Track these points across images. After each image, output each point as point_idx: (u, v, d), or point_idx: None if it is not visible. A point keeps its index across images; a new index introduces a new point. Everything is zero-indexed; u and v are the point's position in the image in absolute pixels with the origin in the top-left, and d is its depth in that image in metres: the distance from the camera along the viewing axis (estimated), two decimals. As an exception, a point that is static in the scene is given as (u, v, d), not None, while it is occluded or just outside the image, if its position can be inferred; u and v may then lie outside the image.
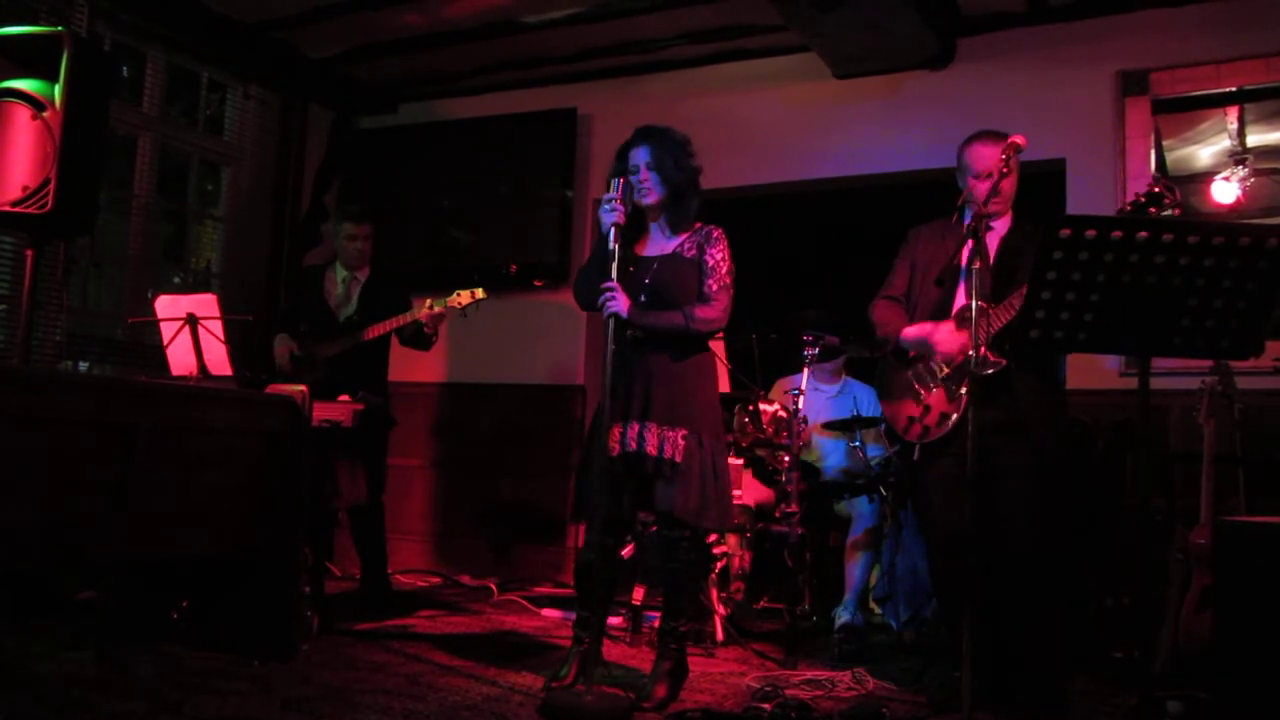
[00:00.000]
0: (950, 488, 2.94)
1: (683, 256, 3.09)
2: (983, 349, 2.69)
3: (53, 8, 4.46)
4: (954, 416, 2.94)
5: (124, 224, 5.05)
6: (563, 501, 5.40)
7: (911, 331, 3.10)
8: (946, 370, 3.02)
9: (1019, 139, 2.85)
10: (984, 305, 2.85)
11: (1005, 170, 2.87)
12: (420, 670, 3.26)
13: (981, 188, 2.97)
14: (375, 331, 4.27)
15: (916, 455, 3.10)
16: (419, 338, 4.33)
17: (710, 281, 3.05)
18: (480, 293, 4.18)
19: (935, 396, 3.03)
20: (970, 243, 3.03)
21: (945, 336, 3.00)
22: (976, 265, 2.64)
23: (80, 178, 3.11)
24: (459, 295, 4.17)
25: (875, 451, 4.46)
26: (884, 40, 4.57)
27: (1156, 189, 2.68)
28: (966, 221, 3.02)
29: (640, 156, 3.09)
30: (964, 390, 2.91)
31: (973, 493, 2.58)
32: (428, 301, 4.19)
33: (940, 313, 3.07)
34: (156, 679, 2.93)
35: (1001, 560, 2.91)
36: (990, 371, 2.79)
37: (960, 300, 3.01)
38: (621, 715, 2.78)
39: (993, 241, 3.07)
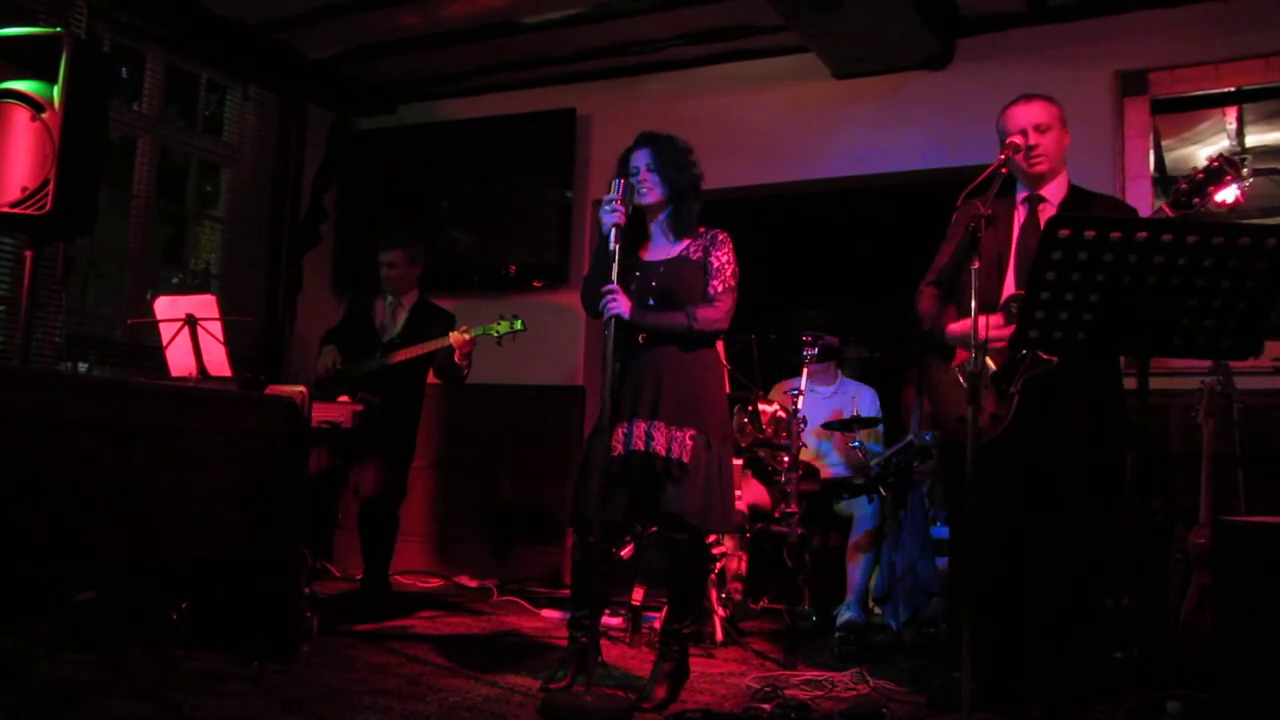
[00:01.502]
0: (1001, 493, 2.77)
1: (689, 259, 3.10)
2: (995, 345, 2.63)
3: (52, 9, 4.46)
4: (1007, 419, 2.78)
5: (123, 225, 5.05)
6: (563, 502, 5.39)
7: (957, 327, 2.92)
8: (995, 368, 2.85)
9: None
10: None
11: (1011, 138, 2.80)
12: (420, 671, 3.26)
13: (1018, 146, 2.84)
14: (403, 355, 4.31)
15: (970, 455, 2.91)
16: (450, 368, 4.32)
17: (715, 282, 3.06)
18: (519, 324, 4.20)
19: (985, 397, 2.85)
20: (1020, 219, 2.91)
21: (993, 333, 2.76)
22: (975, 265, 2.60)
23: (79, 179, 3.10)
24: (499, 324, 4.20)
25: (874, 449, 4.46)
26: (883, 41, 4.57)
27: (1216, 164, 2.54)
28: (1020, 196, 2.93)
29: (640, 159, 3.11)
30: (1015, 390, 2.77)
31: (974, 492, 2.56)
32: (461, 328, 4.21)
33: (965, 308, 2.90)
34: (156, 680, 2.93)
35: (1023, 562, 2.84)
36: (1040, 370, 2.69)
37: (1009, 288, 2.86)
38: (621, 716, 2.78)
39: (1045, 216, 2.89)
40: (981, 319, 2.77)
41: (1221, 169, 2.54)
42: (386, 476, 4.39)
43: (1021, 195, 2.96)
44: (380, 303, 4.62)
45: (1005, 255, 2.91)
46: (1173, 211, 2.62)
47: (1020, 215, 2.95)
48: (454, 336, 4.18)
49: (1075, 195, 2.94)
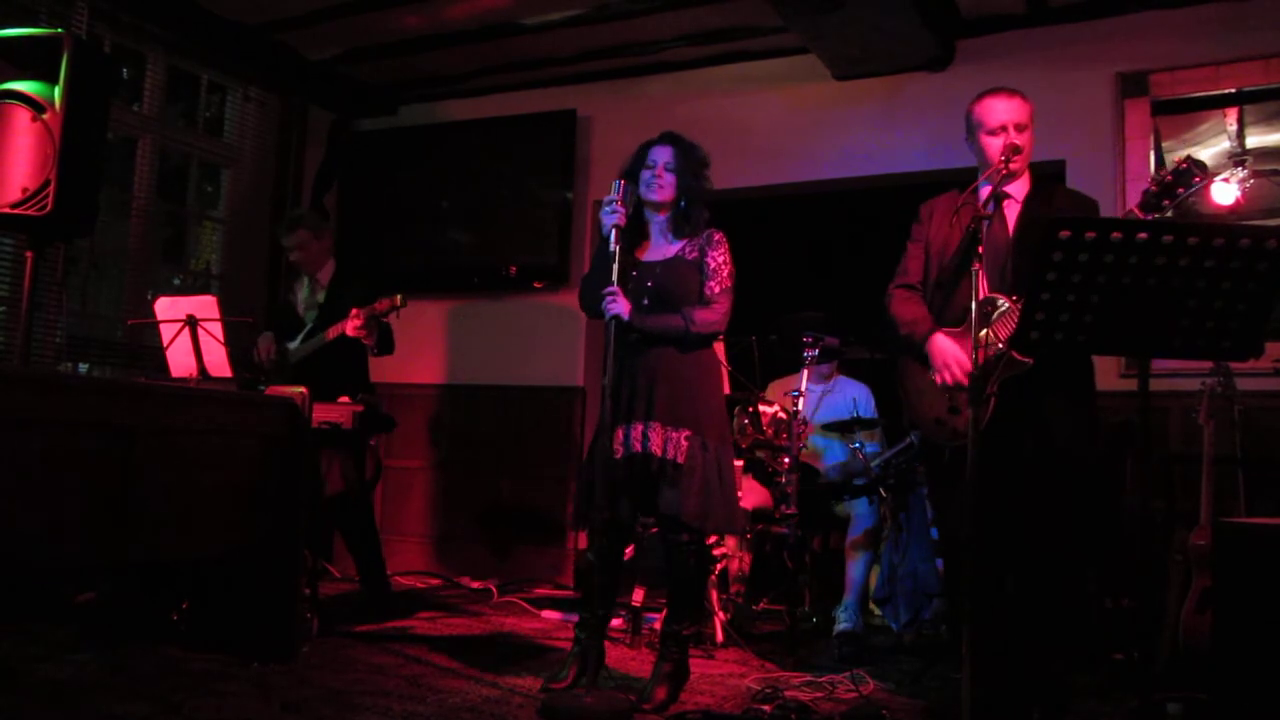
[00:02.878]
0: (981, 494, 2.65)
1: (684, 259, 3.10)
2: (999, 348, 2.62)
3: (53, 9, 4.47)
4: (984, 421, 2.70)
5: (124, 225, 5.06)
6: (562, 503, 5.40)
7: (932, 347, 2.86)
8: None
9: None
10: (1002, 297, 2.72)
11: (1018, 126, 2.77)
12: (420, 672, 3.26)
13: (995, 144, 2.80)
14: (332, 333, 4.17)
15: (947, 457, 2.87)
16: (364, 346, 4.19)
17: (711, 284, 3.06)
18: (399, 299, 4.00)
19: (961, 399, 2.81)
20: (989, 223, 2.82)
21: (957, 359, 2.78)
22: (975, 267, 2.59)
23: (80, 179, 3.11)
24: (380, 302, 4.01)
25: (871, 449, 4.46)
26: (883, 42, 4.57)
27: (1184, 166, 2.51)
28: (983, 190, 2.83)
29: (662, 155, 3.11)
30: (991, 391, 2.73)
31: (972, 493, 2.55)
32: (353, 311, 4.05)
33: (943, 313, 2.92)
34: (156, 681, 2.93)
35: (1016, 563, 2.84)
36: (1015, 371, 2.66)
37: (982, 291, 2.74)
38: (621, 717, 2.78)
39: (1012, 213, 2.85)
40: (949, 345, 2.80)
41: (1190, 171, 2.50)
42: (346, 468, 4.30)
43: (985, 191, 2.85)
44: (298, 285, 4.54)
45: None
46: (1142, 214, 2.57)
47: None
48: (348, 325, 4.02)
49: (1038, 190, 2.90)
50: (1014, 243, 2.83)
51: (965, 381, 2.77)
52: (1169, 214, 2.56)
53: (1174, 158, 2.62)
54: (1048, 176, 2.94)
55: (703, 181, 3.13)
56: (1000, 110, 2.85)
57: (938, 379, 2.85)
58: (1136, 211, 2.58)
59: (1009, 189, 2.88)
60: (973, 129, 2.90)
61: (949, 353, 2.82)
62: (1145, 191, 2.60)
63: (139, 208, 5.07)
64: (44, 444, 2.58)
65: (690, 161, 3.11)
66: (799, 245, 6.07)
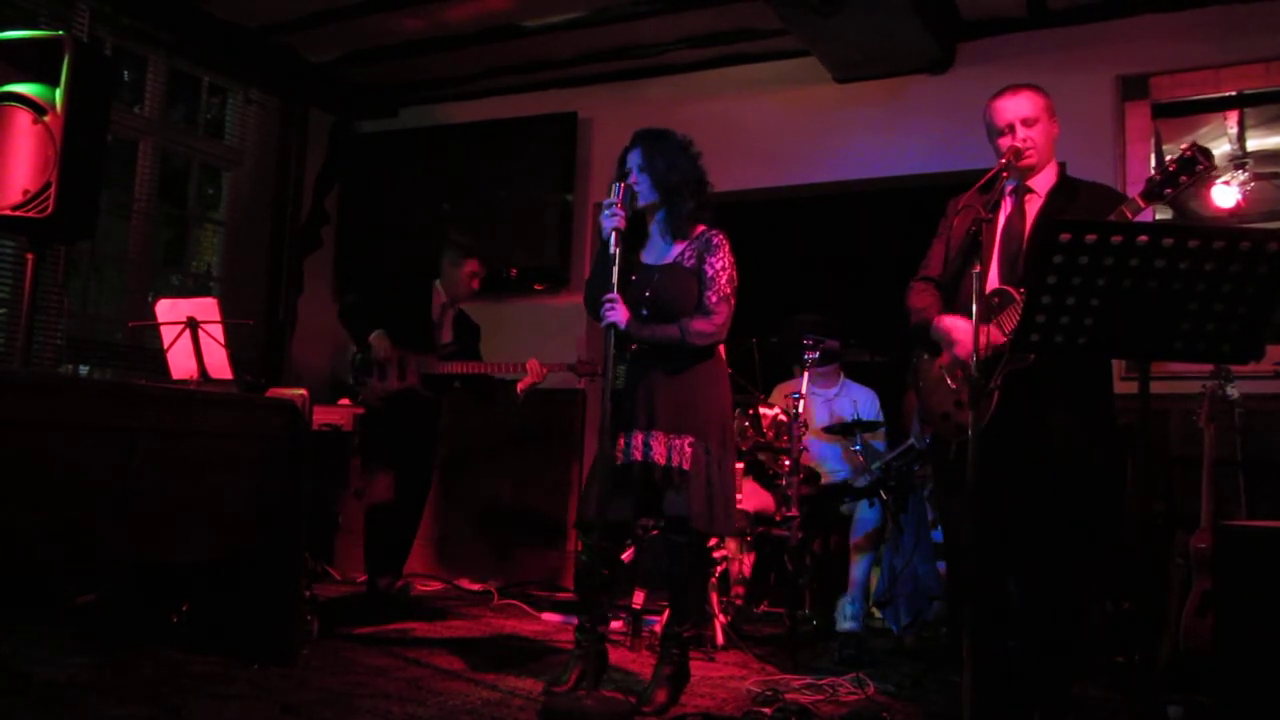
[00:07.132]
0: (984, 490, 2.63)
1: (683, 266, 3.06)
2: (996, 342, 2.61)
3: (54, 12, 4.47)
4: (986, 415, 2.69)
5: (124, 228, 5.06)
6: (563, 505, 5.40)
7: (943, 323, 2.86)
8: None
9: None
10: (1012, 290, 2.70)
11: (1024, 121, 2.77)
12: (420, 674, 3.25)
13: (1004, 144, 2.82)
14: (475, 368, 4.55)
15: (953, 453, 2.85)
16: (505, 394, 4.56)
17: (709, 294, 3.01)
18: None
19: (964, 392, 2.78)
20: (1006, 210, 2.86)
21: (967, 334, 2.71)
22: (975, 269, 2.58)
23: (81, 182, 3.11)
24: (583, 364, 4.47)
25: (877, 446, 4.46)
26: (884, 45, 4.57)
27: (1188, 153, 2.49)
28: (1007, 188, 2.86)
29: (633, 159, 3.08)
30: (995, 385, 2.70)
31: (974, 496, 2.55)
32: (533, 364, 4.42)
33: (950, 309, 2.89)
34: (156, 683, 2.93)
35: (1017, 566, 2.83)
36: (1018, 366, 2.63)
37: (992, 280, 2.79)
38: (621, 719, 2.78)
39: (1033, 207, 2.84)
40: (960, 320, 2.77)
41: (1194, 158, 2.48)
42: (401, 477, 4.54)
43: (1009, 186, 2.89)
44: (437, 300, 4.70)
45: (990, 246, 2.87)
46: (1145, 203, 2.57)
47: (1007, 206, 2.90)
48: (533, 366, 4.40)
49: (1063, 185, 2.89)
50: (1029, 241, 2.81)
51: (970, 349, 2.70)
52: (1170, 202, 2.55)
53: (1179, 145, 2.59)
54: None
55: (681, 169, 3.04)
56: (1005, 110, 2.87)
57: (946, 357, 2.84)
58: (1138, 200, 2.58)
59: (1031, 183, 2.88)
60: (988, 131, 2.92)
61: (956, 325, 2.80)
62: (1149, 179, 2.59)
63: (140, 210, 5.07)
64: (45, 446, 2.59)
65: (662, 154, 3.03)
66: (799, 248, 6.07)
